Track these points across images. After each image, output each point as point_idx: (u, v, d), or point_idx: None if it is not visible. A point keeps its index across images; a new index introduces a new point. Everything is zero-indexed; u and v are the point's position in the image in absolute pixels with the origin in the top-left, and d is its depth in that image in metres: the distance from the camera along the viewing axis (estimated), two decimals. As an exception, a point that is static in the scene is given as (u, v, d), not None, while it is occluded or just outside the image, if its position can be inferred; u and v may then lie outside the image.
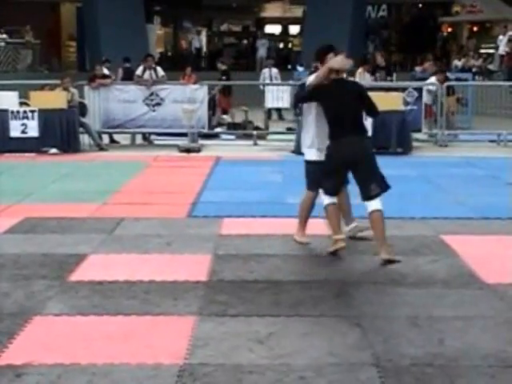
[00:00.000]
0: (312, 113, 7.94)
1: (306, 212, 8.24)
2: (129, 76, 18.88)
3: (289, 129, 19.47)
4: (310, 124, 7.98)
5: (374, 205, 7.52)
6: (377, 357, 5.12)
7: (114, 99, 17.58)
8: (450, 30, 41.67)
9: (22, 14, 32.73)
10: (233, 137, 18.98)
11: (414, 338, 5.46)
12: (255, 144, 17.63)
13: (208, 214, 9.60)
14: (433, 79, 18.16)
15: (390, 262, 7.36)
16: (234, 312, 5.99)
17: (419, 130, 17.51)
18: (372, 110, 7.97)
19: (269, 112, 21.54)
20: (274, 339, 5.43)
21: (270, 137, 18.81)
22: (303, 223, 8.24)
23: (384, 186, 7.58)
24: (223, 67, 22.47)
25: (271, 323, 5.75)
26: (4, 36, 31.36)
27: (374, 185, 7.52)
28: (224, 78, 21.72)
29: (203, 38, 45.54)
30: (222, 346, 5.30)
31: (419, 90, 17.92)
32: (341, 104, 7.63)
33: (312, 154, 7.98)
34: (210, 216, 9.51)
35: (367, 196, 7.53)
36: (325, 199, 7.81)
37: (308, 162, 8.07)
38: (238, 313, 5.97)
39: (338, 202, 7.89)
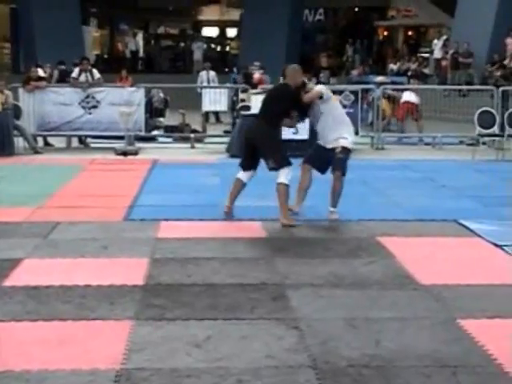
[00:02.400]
0: (331, 113, 9.45)
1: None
2: (64, 78, 18.67)
3: (226, 132, 19.45)
4: (335, 120, 9.45)
5: (278, 178, 9.01)
6: (314, 359, 5.13)
7: (50, 102, 17.34)
8: (385, 33, 42.13)
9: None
10: (170, 140, 18.91)
11: (350, 339, 5.49)
12: (192, 147, 17.59)
13: (145, 218, 9.53)
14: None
15: (289, 226, 8.89)
16: (171, 316, 5.95)
17: (356, 133, 17.62)
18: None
19: (206, 115, 21.51)
20: (211, 343, 5.41)
21: (207, 140, 18.79)
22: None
23: (281, 164, 9.00)
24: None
25: (209, 327, 5.73)
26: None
27: (270, 161, 9.03)
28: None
29: (140, 40, 45.29)
30: (159, 350, 5.26)
31: (355, 93, 18.06)
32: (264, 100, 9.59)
33: (349, 142, 9.45)
34: (147, 219, 9.44)
35: (268, 168, 9.17)
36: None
37: (348, 150, 9.45)
38: (175, 317, 5.94)
39: (300, 182, 9.51)
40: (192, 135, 18.44)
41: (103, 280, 6.86)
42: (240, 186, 9.47)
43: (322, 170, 9.66)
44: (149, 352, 5.22)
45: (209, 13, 48.82)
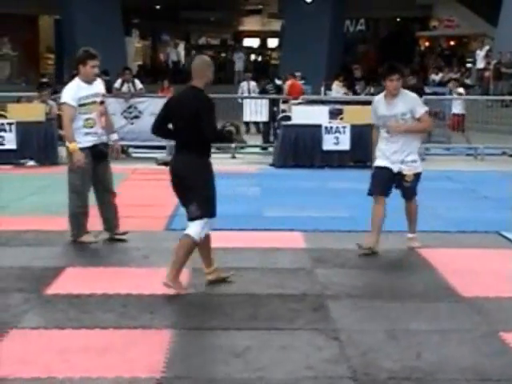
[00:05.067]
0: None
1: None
2: (107, 89, 18.81)
3: (265, 142, 19.49)
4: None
5: (190, 229, 6.89)
6: (354, 370, 5.12)
7: (92, 112, 17.49)
8: (427, 44, 41.91)
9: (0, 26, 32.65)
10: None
11: (391, 351, 5.47)
12: (233, 157, 17.63)
13: (186, 227, 9.55)
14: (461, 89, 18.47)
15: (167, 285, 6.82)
16: (211, 325, 5.98)
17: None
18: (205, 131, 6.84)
19: (247, 125, 21.57)
20: (250, 353, 5.42)
21: (248, 150, 18.83)
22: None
23: (204, 212, 6.81)
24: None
25: (248, 337, 5.75)
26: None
27: (194, 206, 6.82)
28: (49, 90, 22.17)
29: (181, 51, 45.55)
30: (198, 359, 5.28)
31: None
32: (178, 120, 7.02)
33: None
34: (188, 229, 9.47)
35: (188, 218, 6.93)
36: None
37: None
38: (215, 326, 5.96)
39: (376, 215, 8.35)
40: (233, 145, 18.50)
41: (144, 289, 6.91)
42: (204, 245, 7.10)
43: (388, 195, 8.54)
44: (188, 361, 5.25)
45: (250, 23, 48.96)
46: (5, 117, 16.56)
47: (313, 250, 8.48)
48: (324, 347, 5.55)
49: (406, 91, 8.46)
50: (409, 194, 8.49)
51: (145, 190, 12.76)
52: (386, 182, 8.34)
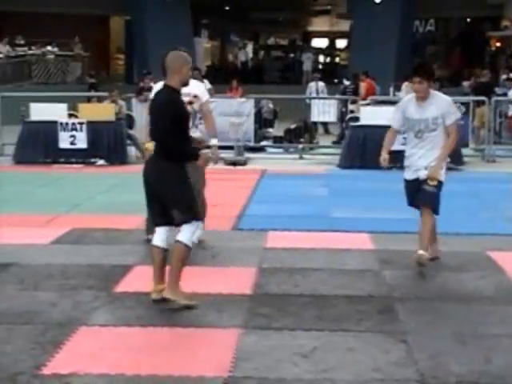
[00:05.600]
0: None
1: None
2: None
3: (335, 142, 19.44)
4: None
5: (180, 235, 6.40)
6: (421, 373, 5.08)
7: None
8: (498, 44, 41.31)
9: (71, 26, 33.13)
10: (281, 150, 18.97)
11: (459, 355, 5.41)
12: (301, 158, 17.63)
13: (253, 227, 9.62)
14: None
15: (160, 300, 6.43)
16: (278, 325, 5.99)
17: (466, 145, 17.37)
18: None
19: (315, 126, 21.53)
20: (318, 353, 5.42)
21: (315, 150, 18.80)
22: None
23: (188, 217, 6.38)
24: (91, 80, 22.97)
25: (315, 337, 5.74)
26: (55, 49, 31.77)
27: (175, 212, 6.39)
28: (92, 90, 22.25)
29: (250, 51, 45.69)
30: (266, 359, 5.29)
31: (466, 104, 17.80)
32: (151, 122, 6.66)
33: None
34: (256, 229, 9.53)
35: (175, 223, 6.47)
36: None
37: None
38: (282, 326, 5.97)
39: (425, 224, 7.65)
40: (300, 146, 18.50)
41: (212, 288, 6.95)
42: (160, 257, 6.60)
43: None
44: (256, 361, 5.26)
45: (318, 24, 48.87)
46: (76, 116, 16.84)
47: (380, 252, 8.43)
48: (391, 349, 5.51)
49: (439, 94, 7.88)
50: (426, 197, 7.63)
51: (212, 190, 12.79)
52: (415, 194, 7.76)
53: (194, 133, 8.68)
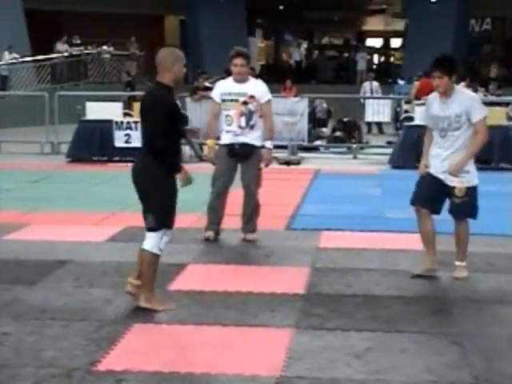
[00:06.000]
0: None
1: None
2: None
3: (389, 142, 19.34)
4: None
5: (145, 243, 6.32)
6: (475, 376, 5.03)
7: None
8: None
9: (127, 26, 33.46)
10: (337, 150, 18.92)
11: (514, 357, 5.36)
12: (355, 157, 17.57)
13: (306, 227, 9.61)
14: None
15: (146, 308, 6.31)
16: (331, 326, 5.98)
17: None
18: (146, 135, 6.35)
19: (369, 125, 21.45)
20: (370, 354, 5.40)
21: (369, 150, 18.73)
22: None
23: (160, 224, 6.27)
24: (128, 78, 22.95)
25: (368, 338, 5.72)
26: (110, 49, 32.10)
27: (150, 216, 6.27)
28: (128, 89, 22.13)
29: (304, 50, 45.64)
30: (318, 359, 5.29)
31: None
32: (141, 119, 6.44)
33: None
34: (309, 229, 9.52)
35: (145, 227, 6.38)
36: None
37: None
38: (335, 326, 5.96)
39: (423, 231, 7.35)
40: (354, 145, 18.44)
41: (265, 287, 6.96)
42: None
43: (438, 211, 7.45)
44: (308, 361, 5.26)
45: (373, 23, 48.65)
46: (131, 115, 16.98)
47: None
48: (445, 351, 5.47)
49: (464, 89, 7.51)
50: (458, 211, 7.27)
51: (266, 189, 12.80)
52: (431, 191, 7.28)
53: (250, 133, 8.73)
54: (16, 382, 4.85)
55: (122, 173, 14.42)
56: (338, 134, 19.74)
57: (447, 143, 7.17)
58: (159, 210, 6.25)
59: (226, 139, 8.80)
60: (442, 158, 7.21)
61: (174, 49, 6.46)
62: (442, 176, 7.21)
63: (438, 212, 7.37)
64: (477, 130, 7.12)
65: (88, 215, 10.30)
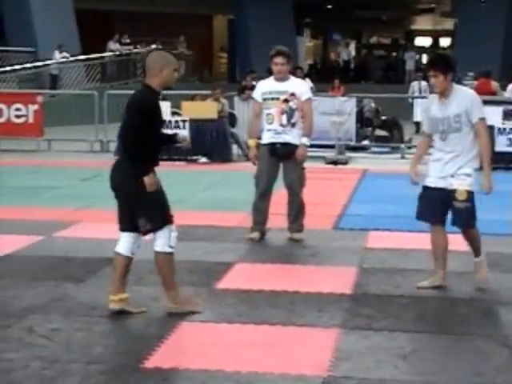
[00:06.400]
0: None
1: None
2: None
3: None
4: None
5: (156, 245, 6.18)
6: (525, 379, 4.99)
7: (263, 110, 17.75)
8: None
9: (175, 25, 33.64)
10: (386, 149, 18.83)
11: None
12: (403, 157, 17.48)
13: (354, 227, 9.60)
14: None
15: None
16: (377, 326, 5.96)
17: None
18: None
19: (417, 125, 21.29)
20: (417, 355, 5.38)
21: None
22: None
23: (158, 223, 6.11)
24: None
25: (415, 339, 5.70)
26: (159, 48, 32.29)
27: (142, 220, 6.07)
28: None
29: (352, 50, 45.51)
30: (365, 359, 5.28)
31: None
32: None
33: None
34: (356, 229, 9.50)
35: (141, 232, 6.21)
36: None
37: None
38: (381, 327, 5.94)
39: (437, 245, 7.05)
40: (402, 145, 18.34)
41: (311, 287, 6.96)
42: (121, 264, 6.21)
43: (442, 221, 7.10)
44: (355, 361, 5.25)
45: (422, 22, 48.38)
46: (179, 114, 17.08)
47: (483, 254, 8.29)
48: (494, 354, 5.42)
49: (463, 88, 7.19)
50: (461, 219, 6.92)
51: (313, 189, 12.79)
52: (435, 205, 6.96)
53: (291, 131, 8.73)
54: (66, 378, 4.91)
55: (170, 171, 14.52)
56: (380, 132, 19.65)
57: (449, 146, 6.89)
58: (150, 212, 6.06)
59: (266, 138, 8.80)
60: (444, 162, 6.92)
61: (165, 53, 6.36)
62: (441, 182, 6.93)
63: (443, 221, 7.06)
64: (477, 130, 6.85)
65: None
